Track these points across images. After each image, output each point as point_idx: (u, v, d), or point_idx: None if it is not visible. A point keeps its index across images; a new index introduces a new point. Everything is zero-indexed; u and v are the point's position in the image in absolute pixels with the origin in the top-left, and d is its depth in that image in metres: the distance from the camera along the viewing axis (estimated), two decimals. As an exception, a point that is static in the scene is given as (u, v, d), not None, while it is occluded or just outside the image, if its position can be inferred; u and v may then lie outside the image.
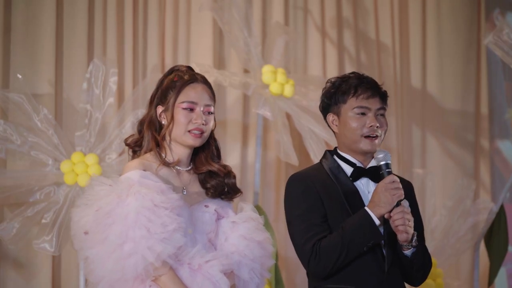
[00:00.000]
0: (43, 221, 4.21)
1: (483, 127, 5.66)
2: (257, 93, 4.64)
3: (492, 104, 5.72)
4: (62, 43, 4.61)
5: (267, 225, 4.65)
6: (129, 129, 4.36)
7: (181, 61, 4.87)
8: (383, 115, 3.02)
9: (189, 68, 3.05)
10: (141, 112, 4.36)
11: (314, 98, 4.82)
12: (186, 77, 2.98)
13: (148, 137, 2.97)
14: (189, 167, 3.01)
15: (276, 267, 4.61)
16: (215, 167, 3.01)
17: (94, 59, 4.40)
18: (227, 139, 4.99)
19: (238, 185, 2.86)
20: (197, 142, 2.95)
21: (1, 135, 4.20)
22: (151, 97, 3.02)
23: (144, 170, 2.85)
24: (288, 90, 4.68)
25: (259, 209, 4.65)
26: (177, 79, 2.97)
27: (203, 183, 3.01)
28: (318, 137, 4.69)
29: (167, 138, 2.97)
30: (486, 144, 5.66)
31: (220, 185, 3.01)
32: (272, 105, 4.63)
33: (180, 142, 2.96)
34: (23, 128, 4.23)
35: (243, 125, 5.01)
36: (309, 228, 2.90)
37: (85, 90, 4.34)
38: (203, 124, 2.95)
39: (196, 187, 2.99)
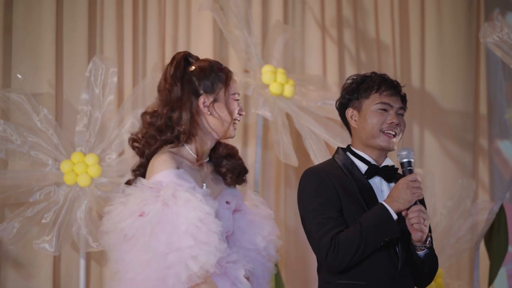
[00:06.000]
0: (43, 221, 4.21)
1: (483, 127, 5.65)
2: (257, 93, 4.63)
3: (491, 104, 5.71)
4: (62, 43, 4.60)
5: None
6: (129, 128, 4.35)
7: (181, 61, 4.87)
8: (402, 115, 3.05)
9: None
10: (142, 112, 4.34)
11: (314, 98, 4.82)
12: (225, 68, 2.92)
13: (188, 131, 2.83)
14: (208, 158, 2.95)
15: (276, 267, 4.60)
16: (229, 145, 2.98)
17: (94, 57, 4.39)
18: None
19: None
20: (234, 134, 2.94)
21: (1, 135, 4.20)
22: (173, 87, 2.94)
23: (177, 168, 2.77)
24: (288, 90, 4.67)
25: (259, 209, 4.64)
26: (220, 70, 2.90)
27: (218, 167, 2.94)
28: (318, 138, 4.68)
29: (206, 130, 2.89)
30: (486, 144, 5.66)
31: (236, 166, 2.95)
32: (272, 105, 4.62)
33: (226, 135, 2.91)
34: (23, 128, 4.23)
35: (243, 125, 5.01)
36: (325, 221, 2.89)
37: (85, 89, 4.33)
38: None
39: (213, 176, 2.93)
